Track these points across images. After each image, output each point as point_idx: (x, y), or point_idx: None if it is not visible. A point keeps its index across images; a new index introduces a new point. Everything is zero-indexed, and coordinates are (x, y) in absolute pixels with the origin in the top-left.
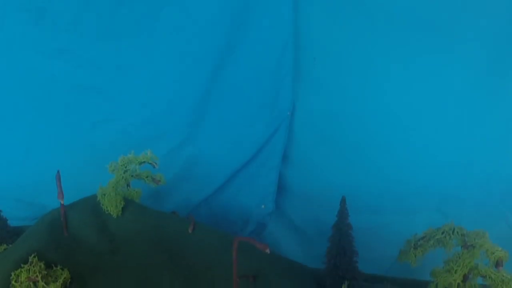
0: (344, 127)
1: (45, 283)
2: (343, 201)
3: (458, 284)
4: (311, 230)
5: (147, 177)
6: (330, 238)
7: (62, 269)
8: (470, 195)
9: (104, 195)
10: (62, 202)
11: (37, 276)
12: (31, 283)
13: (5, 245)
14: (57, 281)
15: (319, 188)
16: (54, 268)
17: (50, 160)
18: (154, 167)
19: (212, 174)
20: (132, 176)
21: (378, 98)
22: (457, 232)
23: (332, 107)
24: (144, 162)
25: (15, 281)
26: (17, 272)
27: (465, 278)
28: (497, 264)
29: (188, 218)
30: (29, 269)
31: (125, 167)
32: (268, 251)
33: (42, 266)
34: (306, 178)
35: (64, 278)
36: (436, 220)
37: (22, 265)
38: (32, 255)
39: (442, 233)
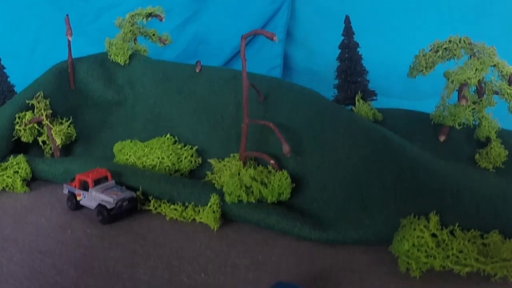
0: (346, 6)
1: (50, 122)
2: (347, 19)
3: (476, 89)
4: None
5: (153, 34)
6: (338, 56)
7: (68, 121)
8: None
9: (112, 44)
10: (69, 39)
11: (41, 114)
12: (35, 125)
13: None
14: (62, 124)
15: (322, 66)
16: (60, 119)
17: (58, 49)
18: (160, 20)
19: (218, 51)
20: (139, 32)
21: None
22: (464, 41)
23: None
24: (151, 14)
25: (19, 125)
26: (21, 114)
27: (479, 92)
28: (510, 80)
29: (196, 62)
30: (34, 106)
31: (132, 21)
32: (276, 39)
33: (47, 103)
34: (310, 56)
35: (69, 131)
36: None
37: (27, 102)
38: (38, 93)
39: (449, 41)
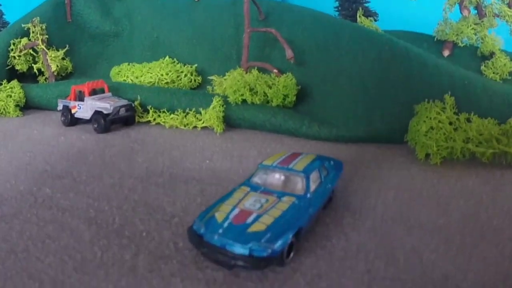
0: None
1: (45, 48)
2: None
3: (476, 12)
4: None
5: None
6: None
7: (63, 50)
8: None
9: None
10: None
11: (37, 39)
12: (30, 52)
13: None
14: (57, 51)
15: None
16: (56, 51)
17: None
18: None
19: None
20: None
21: None
22: None
23: None
24: None
25: (14, 52)
26: (16, 40)
27: (480, 14)
28: (510, 4)
29: None
30: (29, 33)
31: None
32: None
33: (44, 28)
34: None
35: (65, 63)
36: None
37: (23, 26)
38: (35, 18)
39: None
